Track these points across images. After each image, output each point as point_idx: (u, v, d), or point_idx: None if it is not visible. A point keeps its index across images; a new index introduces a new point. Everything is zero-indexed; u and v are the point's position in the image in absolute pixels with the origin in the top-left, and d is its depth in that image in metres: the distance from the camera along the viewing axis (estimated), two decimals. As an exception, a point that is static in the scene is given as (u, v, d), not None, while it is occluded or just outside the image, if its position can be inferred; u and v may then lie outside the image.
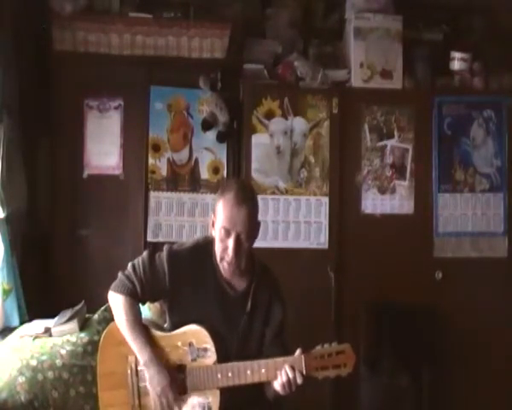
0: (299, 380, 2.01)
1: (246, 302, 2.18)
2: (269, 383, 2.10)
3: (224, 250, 2.12)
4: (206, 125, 3.38)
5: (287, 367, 2.02)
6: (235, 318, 2.18)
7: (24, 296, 2.96)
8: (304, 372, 2.02)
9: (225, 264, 2.13)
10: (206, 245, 2.22)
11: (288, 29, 3.61)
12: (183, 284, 2.18)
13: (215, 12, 3.46)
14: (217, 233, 2.13)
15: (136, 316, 2.17)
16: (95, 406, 2.32)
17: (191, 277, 2.18)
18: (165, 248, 2.22)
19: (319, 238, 3.42)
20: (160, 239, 3.35)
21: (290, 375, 2.01)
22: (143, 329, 2.17)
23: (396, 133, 3.49)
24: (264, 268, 2.27)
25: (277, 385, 2.04)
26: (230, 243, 2.09)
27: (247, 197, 2.14)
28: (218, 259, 2.15)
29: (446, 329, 3.37)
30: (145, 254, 2.23)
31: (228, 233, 2.09)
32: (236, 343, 2.16)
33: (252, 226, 2.13)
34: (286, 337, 2.23)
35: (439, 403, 3.37)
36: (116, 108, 3.40)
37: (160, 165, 3.41)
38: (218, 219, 2.13)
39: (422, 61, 3.55)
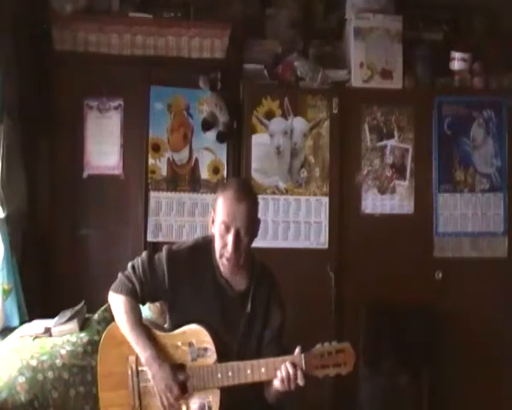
0: (301, 382, 2.01)
1: (245, 303, 2.19)
2: (269, 386, 2.10)
3: (223, 247, 2.13)
4: (206, 125, 3.37)
5: (287, 363, 2.02)
6: (235, 318, 2.18)
7: (24, 296, 2.96)
8: (304, 371, 2.01)
9: (225, 260, 2.14)
10: (206, 244, 2.22)
11: (288, 29, 3.60)
12: (182, 284, 2.18)
13: (215, 12, 3.45)
14: (216, 229, 2.14)
15: (136, 316, 2.18)
16: (95, 406, 2.33)
17: (190, 277, 2.19)
18: (165, 248, 2.23)
19: (319, 238, 3.42)
20: (160, 239, 3.35)
21: (290, 370, 2.01)
22: (144, 328, 2.17)
23: (396, 133, 3.49)
24: (263, 268, 2.28)
25: (277, 381, 2.04)
26: (230, 238, 2.10)
27: (246, 194, 2.16)
28: (217, 255, 2.15)
29: (446, 329, 3.37)
30: (144, 254, 2.24)
31: (227, 228, 2.11)
32: (236, 344, 2.17)
33: (251, 222, 2.14)
34: (284, 339, 2.22)
35: (439, 403, 3.37)
36: (116, 108, 3.39)
37: (160, 165, 3.41)
38: (217, 215, 2.14)
39: (422, 61, 3.55)
